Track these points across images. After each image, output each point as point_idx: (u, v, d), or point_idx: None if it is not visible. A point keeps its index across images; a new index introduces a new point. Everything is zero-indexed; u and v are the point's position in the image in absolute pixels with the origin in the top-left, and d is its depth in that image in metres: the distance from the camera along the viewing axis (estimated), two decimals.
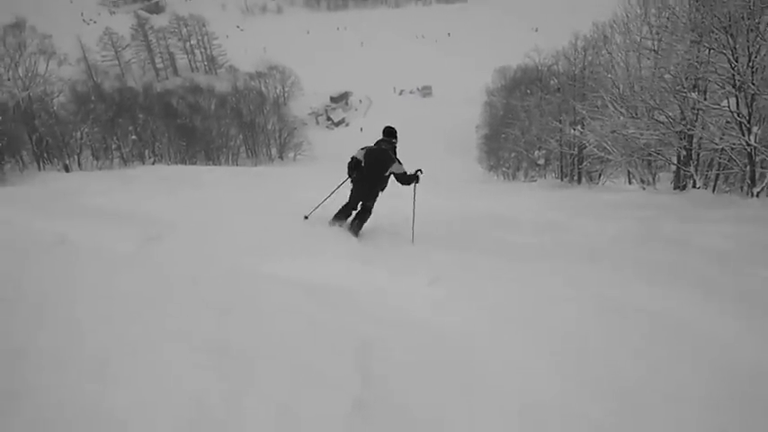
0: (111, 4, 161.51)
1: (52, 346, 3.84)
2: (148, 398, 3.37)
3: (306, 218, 9.02)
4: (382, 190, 8.73)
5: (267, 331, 4.41)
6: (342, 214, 8.73)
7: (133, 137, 55.82)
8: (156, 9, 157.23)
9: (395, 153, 8.70)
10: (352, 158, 8.62)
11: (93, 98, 56.29)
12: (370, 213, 8.78)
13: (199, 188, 15.99)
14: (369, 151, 8.54)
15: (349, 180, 8.83)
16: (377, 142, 8.73)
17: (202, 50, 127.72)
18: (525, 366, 4.25)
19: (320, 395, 3.62)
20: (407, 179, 8.54)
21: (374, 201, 8.75)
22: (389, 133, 8.71)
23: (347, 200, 8.80)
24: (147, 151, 57.89)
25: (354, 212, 8.79)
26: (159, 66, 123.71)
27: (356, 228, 8.55)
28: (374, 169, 8.47)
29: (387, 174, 8.48)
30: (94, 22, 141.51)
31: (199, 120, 66.91)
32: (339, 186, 9.41)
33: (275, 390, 3.62)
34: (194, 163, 55.03)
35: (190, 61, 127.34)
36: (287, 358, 4.02)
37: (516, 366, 4.24)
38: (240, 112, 75.38)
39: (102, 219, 8.43)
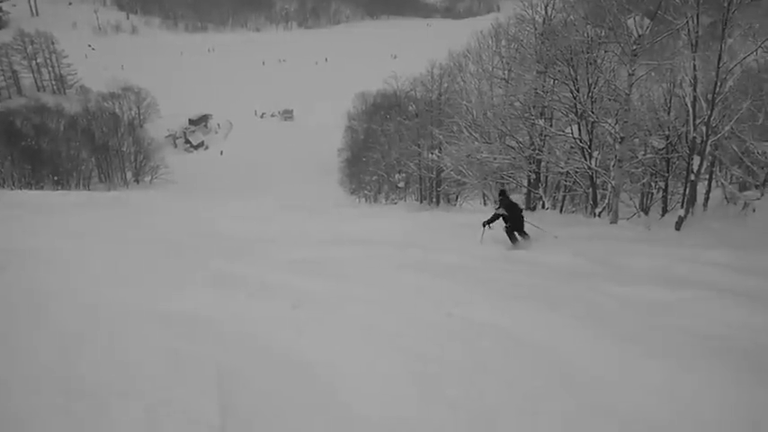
0: None
1: None
2: None
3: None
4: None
5: (122, 365, 4.18)
6: (513, 239, 12.67)
7: None
8: None
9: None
10: (500, 215, 12.70)
11: None
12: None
13: (49, 215, 14.95)
14: (507, 205, 12.70)
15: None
16: (510, 202, 12.94)
17: (50, 69, 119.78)
18: (387, 387, 4.28)
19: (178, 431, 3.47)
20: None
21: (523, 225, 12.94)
22: (502, 193, 13.26)
23: (511, 229, 12.78)
24: None
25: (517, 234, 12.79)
26: (1, 84, 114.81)
27: (525, 238, 12.74)
28: (517, 211, 12.75)
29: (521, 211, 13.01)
30: None
31: (46, 142, 62.65)
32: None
33: (130, 429, 3.43)
34: (41, 188, 51.36)
35: (36, 80, 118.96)
36: (143, 393, 3.82)
37: (378, 387, 4.26)
38: (92, 134, 71.15)
39: None
